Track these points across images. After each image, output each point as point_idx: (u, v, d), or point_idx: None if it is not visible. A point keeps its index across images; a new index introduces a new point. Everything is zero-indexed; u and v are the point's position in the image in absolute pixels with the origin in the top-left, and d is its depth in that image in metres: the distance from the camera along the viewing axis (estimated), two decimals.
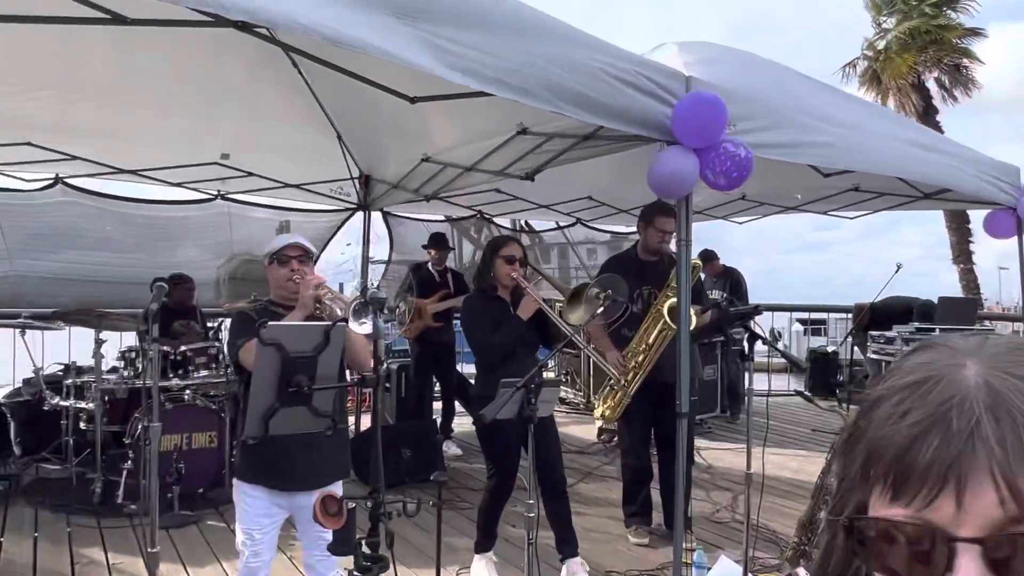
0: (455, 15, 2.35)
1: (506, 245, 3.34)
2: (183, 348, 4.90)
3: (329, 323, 1.95)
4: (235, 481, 2.44)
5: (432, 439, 5.17)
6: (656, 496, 4.13)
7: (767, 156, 3.08)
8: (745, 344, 3.42)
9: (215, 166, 5.49)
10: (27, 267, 5.64)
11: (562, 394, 7.57)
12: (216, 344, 5.17)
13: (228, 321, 5.60)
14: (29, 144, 4.84)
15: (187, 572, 3.48)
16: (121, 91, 4.74)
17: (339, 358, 2.02)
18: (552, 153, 4.21)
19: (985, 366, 0.50)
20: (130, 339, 5.41)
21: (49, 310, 5.31)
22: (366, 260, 6.65)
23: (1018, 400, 0.47)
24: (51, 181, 5.46)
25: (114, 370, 5.15)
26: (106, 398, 4.78)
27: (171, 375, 4.80)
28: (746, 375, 3.42)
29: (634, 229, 8.62)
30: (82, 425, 4.96)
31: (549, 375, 7.77)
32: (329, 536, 2.43)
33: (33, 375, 5.25)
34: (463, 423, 6.76)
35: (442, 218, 7.81)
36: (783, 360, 10.45)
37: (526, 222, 8.62)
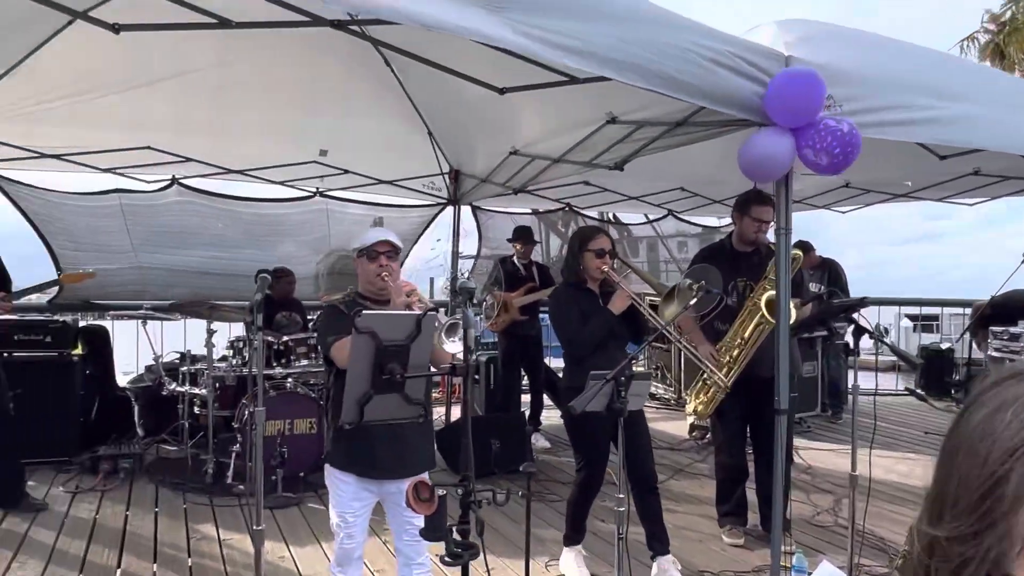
0: (543, 4, 2.34)
1: (595, 238, 3.29)
2: (285, 339, 5.15)
3: (420, 312, 1.98)
4: (327, 467, 2.54)
5: (521, 431, 5.19)
6: (751, 496, 3.98)
7: (877, 135, 2.88)
8: (850, 338, 3.23)
9: (314, 164, 5.74)
10: (148, 262, 6.09)
11: (652, 389, 7.42)
12: (314, 336, 5.40)
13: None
14: (149, 148, 5.22)
15: (290, 550, 3.65)
16: (227, 93, 5.04)
17: (430, 347, 2.05)
18: (642, 142, 4.12)
19: None
20: (238, 329, 5.74)
21: (167, 302, 5.72)
22: (456, 254, 6.76)
23: None
24: (168, 182, 5.88)
25: (224, 359, 5.49)
26: (217, 385, 5.09)
27: (274, 364, 5.05)
28: (850, 372, 3.23)
29: (727, 222, 8.38)
30: (196, 409, 5.32)
31: (638, 369, 7.63)
32: (418, 521, 2.49)
33: (153, 362, 5.67)
34: (551, 416, 6.76)
35: (529, 211, 7.83)
36: (890, 358, 9.84)
37: (614, 215, 8.50)
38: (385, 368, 1.94)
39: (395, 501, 2.49)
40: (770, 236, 3.74)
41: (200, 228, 6.20)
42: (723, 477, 4.00)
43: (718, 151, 5.08)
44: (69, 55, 4.35)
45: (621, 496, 2.66)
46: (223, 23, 2.20)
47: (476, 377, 6.22)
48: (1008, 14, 16.12)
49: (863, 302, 3.29)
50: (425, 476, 2.24)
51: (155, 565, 3.45)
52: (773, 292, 3.44)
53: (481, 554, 1.92)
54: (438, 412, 6.55)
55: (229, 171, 5.76)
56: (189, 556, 3.57)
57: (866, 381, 5.97)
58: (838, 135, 2.63)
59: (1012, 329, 6.96)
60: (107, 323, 6.28)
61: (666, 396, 7.77)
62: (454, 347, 2.13)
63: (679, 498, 4.62)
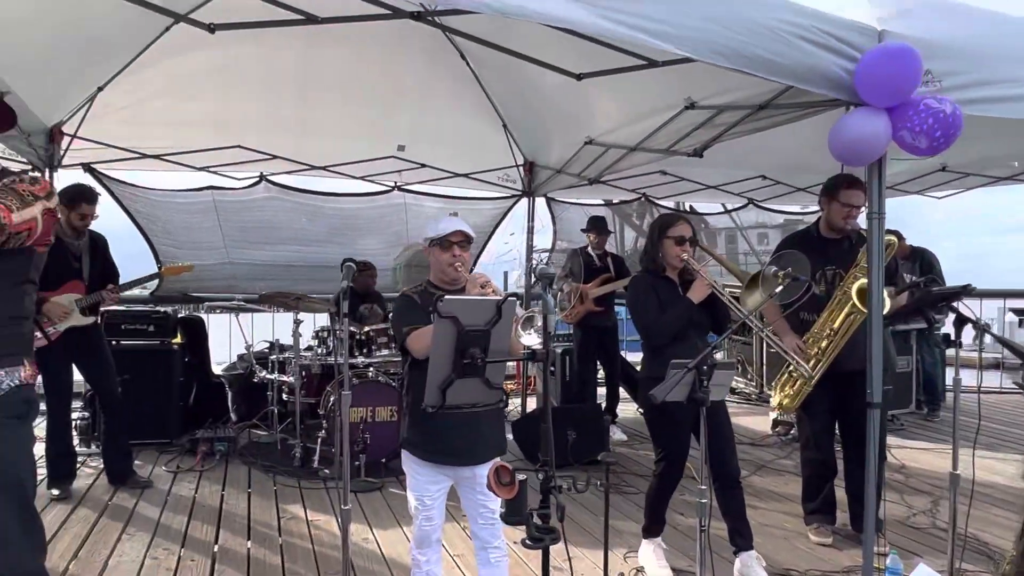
0: None
1: (675, 225, 3.22)
2: (367, 329, 5.30)
3: (500, 298, 2.00)
4: (403, 452, 2.59)
5: (597, 422, 5.16)
6: (840, 494, 3.82)
7: (979, 112, 2.70)
8: (951, 329, 3.04)
9: (392, 159, 5.89)
10: (238, 257, 6.41)
11: (732, 384, 7.22)
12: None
13: None
14: (239, 147, 5.49)
15: (373, 533, 3.77)
16: (311, 91, 5.24)
17: (510, 332, 2.06)
18: (722, 127, 4.01)
19: None
20: (322, 320, 5.96)
21: (256, 294, 6.01)
22: (530, 247, 6.78)
23: None
24: (256, 179, 6.16)
25: (309, 348, 5.72)
26: (303, 373, 5.31)
27: (356, 354, 5.22)
28: (948, 368, 3.04)
29: (810, 210, 8.04)
30: (284, 396, 5.56)
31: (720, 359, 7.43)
32: (492, 505, 2.52)
33: (245, 351, 5.97)
34: (627, 409, 6.70)
35: (607, 202, 7.76)
36: (991, 354, 9.20)
37: (690, 206, 8.31)
38: (466, 353, 1.97)
39: (469, 486, 2.53)
40: (860, 222, 3.57)
41: (286, 223, 6.47)
42: (810, 473, 3.85)
43: (802, 136, 4.88)
44: (166, 60, 4.63)
45: (703, 488, 2.60)
46: (310, 19, 2.28)
47: (552, 369, 6.22)
48: None
49: (967, 289, 3.07)
50: (502, 460, 2.26)
51: (249, 542, 3.63)
52: (865, 280, 3.29)
53: (561, 539, 1.92)
54: (513, 403, 6.61)
55: (313, 167, 5.99)
56: (280, 535, 3.74)
57: (967, 378, 5.63)
58: (940, 116, 2.48)
59: None
60: (202, 315, 6.66)
61: (747, 391, 7.55)
62: (530, 339, 2.13)
63: (762, 494, 4.49)
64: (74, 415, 4.74)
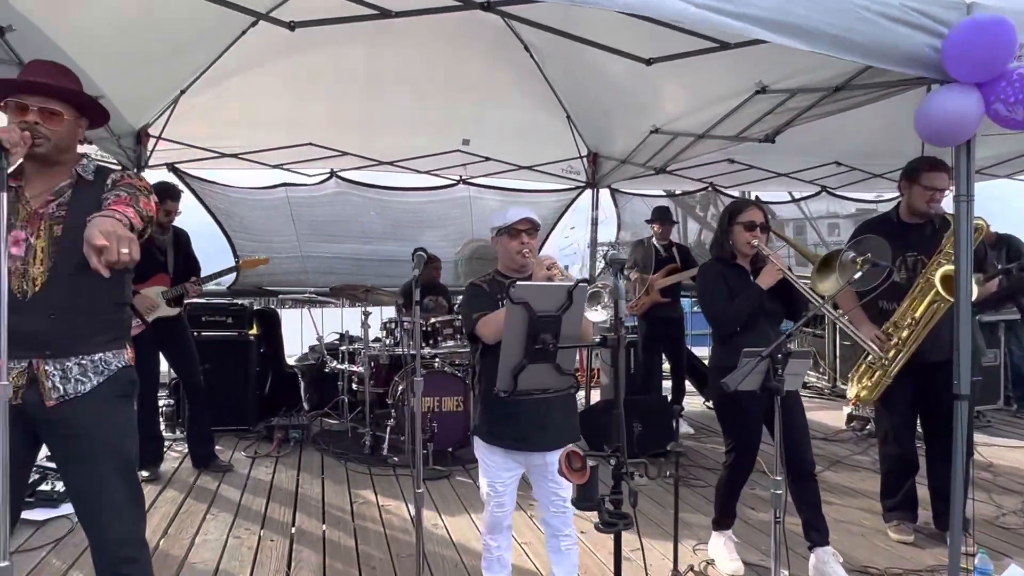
0: None
1: (745, 210, 3.15)
2: (433, 321, 5.40)
3: (572, 284, 2.01)
4: (475, 439, 2.63)
5: (663, 413, 5.09)
6: (922, 491, 3.66)
7: None
8: None
9: (457, 153, 5.96)
10: (310, 251, 6.63)
11: (804, 378, 7.01)
12: (460, 318, 5.62)
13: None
14: (311, 144, 5.66)
15: (442, 519, 3.84)
16: (378, 87, 5.35)
17: (581, 318, 2.07)
18: (795, 111, 3.91)
19: None
20: (390, 312, 6.10)
21: (327, 287, 6.19)
22: (594, 237, 6.75)
23: None
24: (327, 175, 6.35)
25: (377, 340, 5.86)
26: (372, 364, 5.44)
27: (422, 345, 5.31)
28: None
29: (884, 198, 7.68)
30: (354, 386, 5.72)
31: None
32: (564, 493, 2.53)
33: (317, 342, 6.17)
34: (693, 402, 6.60)
35: (670, 193, 7.64)
36: None
37: (756, 196, 8.09)
38: (538, 338, 1.99)
39: (540, 473, 2.54)
40: (945, 206, 3.41)
41: (354, 218, 6.64)
42: (889, 469, 3.70)
43: (880, 118, 4.70)
44: (242, 61, 4.81)
45: (777, 479, 2.54)
46: (384, 13, 2.34)
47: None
48: None
49: None
50: (574, 447, 2.26)
51: (324, 525, 3.76)
52: (949, 267, 3.14)
53: (634, 524, 1.92)
54: (578, 396, 6.60)
55: (380, 162, 6.12)
56: (353, 518, 3.85)
57: None
58: None
59: None
60: (274, 308, 6.92)
61: (819, 385, 7.31)
62: (596, 316, 2.13)
63: (837, 490, 4.35)
64: (160, 402, 5.00)
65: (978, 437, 5.18)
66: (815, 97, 3.69)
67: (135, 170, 5.15)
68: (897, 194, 3.66)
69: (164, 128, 5.16)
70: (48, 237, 1.93)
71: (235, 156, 5.77)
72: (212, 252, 6.39)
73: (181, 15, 3.58)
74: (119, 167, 5.01)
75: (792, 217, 8.80)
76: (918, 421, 3.68)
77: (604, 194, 6.87)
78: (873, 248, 2.61)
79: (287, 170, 6.10)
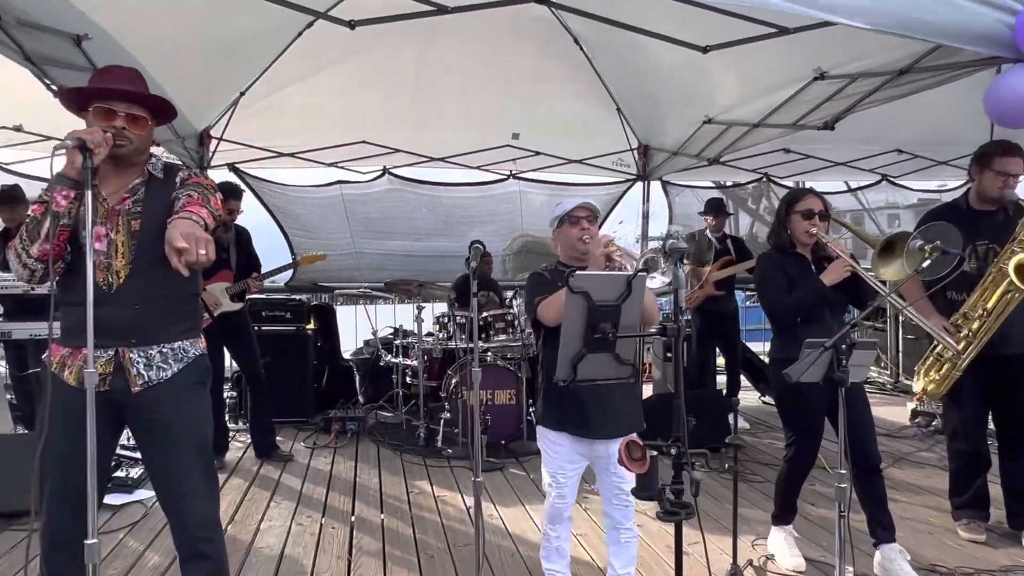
0: None
1: (803, 199, 3.07)
2: (484, 314, 5.44)
3: (631, 273, 2.00)
4: (539, 428, 2.64)
5: (718, 407, 5.02)
6: (994, 489, 3.52)
7: None
8: None
9: (507, 148, 5.99)
10: (363, 247, 6.76)
11: (869, 370, 6.80)
12: (511, 312, 5.65)
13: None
14: (364, 142, 5.78)
15: (497, 510, 3.88)
16: (429, 84, 5.42)
17: (640, 308, 2.06)
18: (855, 97, 3.80)
19: None
20: (441, 307, 6.18)
21: (379, 283, 6.32)
22: (646, 230, 6.69)
23: None
24: (380, 172, 6.46)
25: (430, 335, 5.95)
26: (425, 357, 5.52)
27: (473, 340, 5.35)
28: None
29: (948, 187, 7.37)
30: (408, 379, 5.81)
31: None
32: (627, 487, 2.52)
33: (371, 336, 6.29)
34: (749, 397, 6.49)
35: (720, 185, 7.50)
36: None
37: (810, 186, 7.87)
38: (597, 328, 1.99)
39: (604, 466, 2.54)
40: (1019, 192, 3.27)
41: (406, 214, 6.75)
42: (959, 466, 3.57)
43: (945, 103, 4.53)
44: (298, 63, 4.94)
45: (842, 472, 2.49)
46: (441, 9, 2.37)
47: (668, 355, 6.11)
48: None
49: None
50: (635, 436, 2.26)
51: (382, 513, 3.84)
52: None
53: (696, 514, 1.90)
54: None
55: (431, 159, 6.20)
56: (410, 508, 3.93)
57: None
58: None
59: None
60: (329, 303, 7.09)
61: (881, 380, 7.09)
62: (653, 283, 2.12)
63: (902, 487, 4.22)
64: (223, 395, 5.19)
65: None
66: (877, 82, 3.58)
67: (198, 170, 5.34)
68: (962, 182, 3.54)
69: (225, 129, 5.34)
70: (127, 232, 2.03)
71: (292, 155, 5.93)
72: (270, 249, 6.59)
73: (242, 18, 3.70)
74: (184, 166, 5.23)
75: (849, 208, 8.52)
76: (989, 416, 3.54)
77: (655, 187, 6.80)
78: (942, 235, 2.52)
79: (341, 168, 6.24)
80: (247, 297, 4.77)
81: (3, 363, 5.35)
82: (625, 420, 2.49)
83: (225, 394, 5.31)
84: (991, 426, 3.57)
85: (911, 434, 5.42)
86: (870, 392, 6.77)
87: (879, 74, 3.49)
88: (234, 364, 5.14)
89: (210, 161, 5.55)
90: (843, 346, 2.42)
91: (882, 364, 7.06)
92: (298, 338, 5.83)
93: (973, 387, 3.38)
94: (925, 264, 2.52)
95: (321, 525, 3.66)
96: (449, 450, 4.95)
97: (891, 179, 7.11)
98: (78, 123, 2.12)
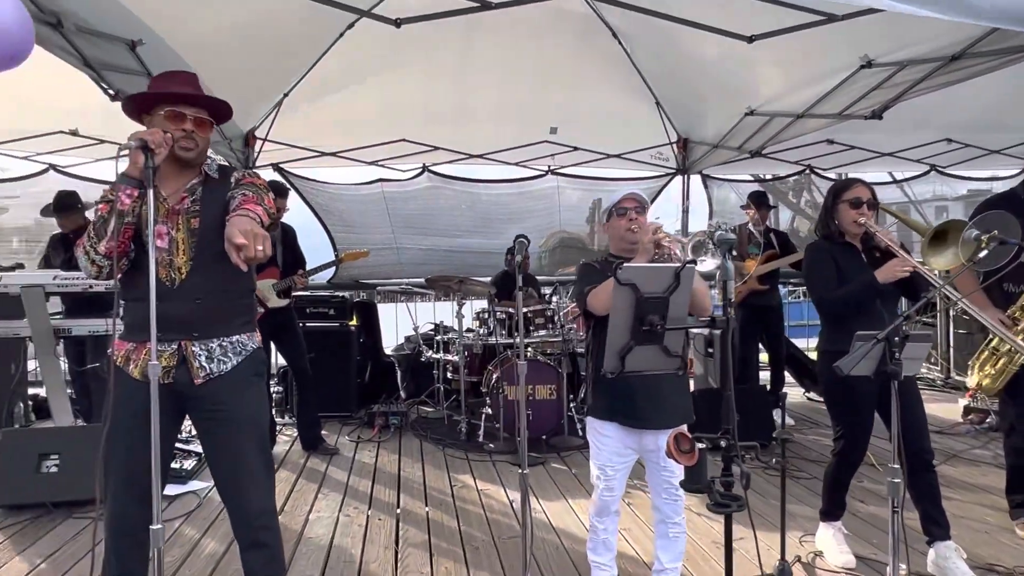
0: None
1: (851, 187, 3.01)
2: (524, 310, 5.46)
3: (679, 265, 1.99)
4: (588, 419, 2.65)
5: (762, 403, 4.96)
6: None
7: None
8: None
9: (545, 144, 6.00)
10: (404, 244, 6.84)
11: (922, 363, 6.63)
12: (551, 307, 5.65)
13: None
14: (404, 140, 5.84)
15: (540, 504, 3.90)
16: (467, 82, 5.46)
17: (688, 300, 2.05)
18: (905, 85, 3.71)
19: None
20: (481, 303, 6.22)
21: (420, 279, 6.38)
22: (685, 223, 6.63)
23: None
24: (419, 170, 6.53)
25: (470, 331, 5.98)
26: (466, 353, 5.57)
27: (516, 334, 5.38)
28: None
29: (1000, 176, 7.12)
30: (448, 375, 5.87)
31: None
32: (676, 480, 2.51)
33: (412, 332, 6.37)
34: (793, 393, 6.38)
35: (759, 178, 7.39)
36: None
37: (858, 178, 7.68)
38: (645, 320, 1.99)
39: (653, 459, 2.53)
40: None
41: (446, 211, 6.81)
42: (1017, 463, 3.46)
43: (998, 89, 4.40)
44: (339, 63, 5.02)
45: (895, 467, 2.44)
46: (485, 5, 2.39)
47: (710, 350, 6.05)
48: None
49: None
50: (684, 428, 2.26)
51: (427, 506, 3.90)
52: None
53: (747, 507, 1.89)
54: None
55: (470, 156, 6.24)
56: (454, 501, 3.97)
57: None
58: None
59: None
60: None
61: (931, 376, 6.91)
62: (703, 266, 2.11)
63: (955, 484, 4.11)
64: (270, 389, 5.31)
65: None
66: (927, 69, 3.49)
67: (251, 170, 5.48)
68: (1016, 171, 3.42)
69: (269, 130, 5.45)
70: (187, 230, 2.10)
71: (333, 154, 6.03)
72: (313, 247, 6.71)
73: (288, 18, 3.78)
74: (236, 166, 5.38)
75: (894, 200, 8.29)
76: None
77: (695, 181, 6.73)
78: (1000, 224, 2.45)
79: (382, 166, 6.33)
80: (292, 294, 4.87)
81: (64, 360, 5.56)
82: (675, 411, 2.48)
83: (272, 389, 5.43)
84: None
85: (964, 431, 5.28)
86: (920, 388, 6.61)
87: (929, 61, 3.41)
88: (279, 359, 5.26)
89: (255, 161, 5.68)
90: (896, 338, 2.37)
91: (932, 360, 6.88)
92: (341, 334, 5.94)
93: None
94: (982, 254, 2.46)
95: (368, 516, 3.73)
96: (491, 444, 4.98)
97: (940, 169, 6.91)
98: (131, 125, 2.20)
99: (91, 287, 4.00)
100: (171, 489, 4.00)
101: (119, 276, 2.06)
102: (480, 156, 6.26)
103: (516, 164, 6.48)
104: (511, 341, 5.33)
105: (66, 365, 5.15)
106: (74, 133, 5.29)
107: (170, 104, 2.09)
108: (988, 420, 5.31)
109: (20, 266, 5.28)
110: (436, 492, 4.14)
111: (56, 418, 4.20)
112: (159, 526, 1.89)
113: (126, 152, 1.94)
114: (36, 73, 2.88)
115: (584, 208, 7.18)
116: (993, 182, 7.31)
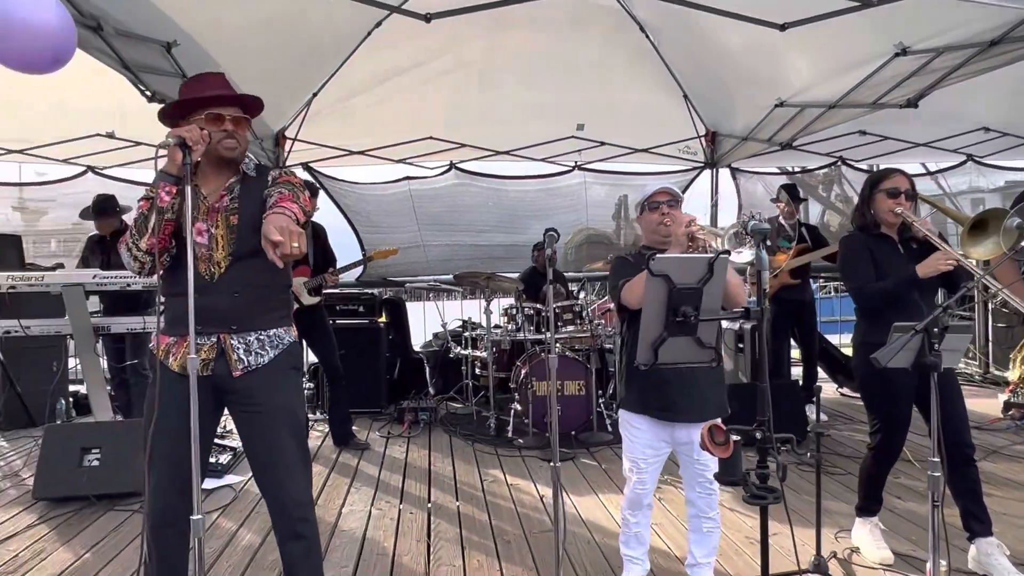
0: None
1: (889, 177, 2.95)
2: (553, 306, 5.46)
3: (713, 255, 1.98)
4: (621, 412, 2.64)
5: (794, 400, 4.89)
6: None
7: None
8: None
9: (572, 139, 5.99)
10: (431, 241, 6.88)
11: (962, 355, 6.48)
12: (579, 303, 5.64)
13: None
14: (431, 138, 5.88)
15: (570, 499, 3.90)
16: (494, 79, 5.47)
17: (722, 291, 2.04)
18: (940, 72, 3.63)
19: None
20: (508, 299, 6.23)
21: (449, 275, 6.42)
22: (714, 217, 6.57)
23: None
24: (446, 167, 6.56)
25: (497, 327, 6.00)
26: (494, 349, 5.58)
27: (543, 330, 5.39)
28: None
29: None
30: (477, 371, 5.89)
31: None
32: (710, 473, 2.50)
33: (441, 329, 6.40)
34: (826, 388, 6.28)
35: (787, 171, 7.28)
36: None
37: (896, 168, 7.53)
38: (678, 311, 1.98)
39: (687, 452, 2.51)
40: None
41: (473, 208, 6.84)
42: None
43: None
44: (367, 62, 5.07)
45: (935, 460, 2.39)
46: None
47: (740, 346, 5.99)
48: None
49: None
50: (719, 421, 2.24)
51: (458, 500, 3.92)
52: None
53: (783, 499, 1.87)
54: None
55: (497, 152, 6.25)
56: (484, 495, 3.99)
57: None
58: None
59: None
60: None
61: (969, 371, 6.75)
62: (740, 257, 2.09)
63: (995, 481, 4.02)
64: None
65: None
66: (965, 55, 3.41)
67: (288, 169, 5.56)
68: None
69: (299, 130, 5.52)
70: (226, 226, 2.14)
71: (361, 153, 6.08)
72: (340, 246, 6.77)
73: (318, 17, 3.82)
74: (273, 165, 5.45)
75: (929, 193, 8.12)
76: None
77: (723, 174, 6.66)
78: None
79: (409, 164, 6.37)
80: (323, 292, 4.93)
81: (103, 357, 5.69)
82: (709, 404, 2.46)
83: (303, 385, 5.50)
84: None
85: (1004, 427, 5.15)
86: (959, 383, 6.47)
87: (966, 47, 3.33)
88: (311, 357, 5.33)
89: (285, 161, 5.76)
90: (935, 329, 2.32)
91: (970, 355, 6.72)
92: (371, 331, 5.99)
93: None
94: None
95: (399, 510, 3.77)
96: (520, 440, 4.99)
97: (976, 159, 6.75)
98: (165, 127, 2.23)
99: (128, 286, 4.10)
100: (207, 483, 4.08)
101: (161, 272, 2.11)
102: (507, 152, 6.27)
103: (542, 160, 6.48)
104: (539, 337, 5.33)
105: (105, 362, 5.28)
106: (110, 135, 5.42)
107: (206, 107, 2.14)
108: None
109: (60, 266, 5.43)
110: (466, 487, 4.16)
111: (96, 413, 4.31)
112: (199, 516, 1.92)
113: (165, 150, 1.98)
114: (74, 77, 2.96)
115: (611, 204, 7.15)
116: None
